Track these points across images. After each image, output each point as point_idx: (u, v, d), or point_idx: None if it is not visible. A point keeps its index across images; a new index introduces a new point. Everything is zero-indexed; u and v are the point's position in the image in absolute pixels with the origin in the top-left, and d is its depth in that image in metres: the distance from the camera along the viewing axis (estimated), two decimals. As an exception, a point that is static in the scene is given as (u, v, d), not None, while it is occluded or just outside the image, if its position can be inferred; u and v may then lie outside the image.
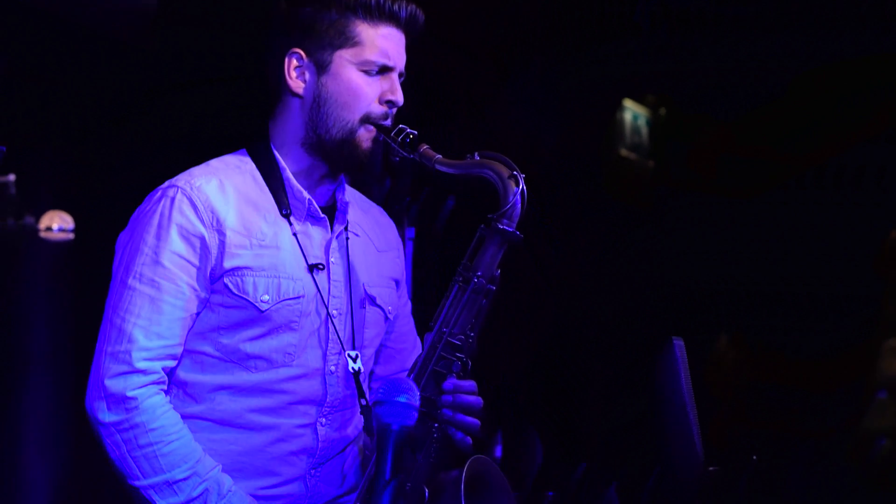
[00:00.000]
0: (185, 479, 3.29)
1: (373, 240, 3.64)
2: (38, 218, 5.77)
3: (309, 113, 3.46)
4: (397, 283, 3.69)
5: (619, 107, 5.74)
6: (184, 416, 3.36)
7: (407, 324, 3.75)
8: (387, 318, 3.63)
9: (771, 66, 4.72)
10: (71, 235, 5.83)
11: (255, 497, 3.37)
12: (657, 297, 5.76)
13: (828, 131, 4.57)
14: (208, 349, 3.38)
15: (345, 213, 3.55)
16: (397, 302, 3.68)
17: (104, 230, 6.14)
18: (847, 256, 5.06)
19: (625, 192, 5.63)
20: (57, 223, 5.79)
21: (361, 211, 3.67)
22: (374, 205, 3.77)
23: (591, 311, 5.67)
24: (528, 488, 5.22)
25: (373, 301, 3.57)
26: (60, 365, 6.63)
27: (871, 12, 3.95)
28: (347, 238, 3.54)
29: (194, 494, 3.28)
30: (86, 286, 6.56)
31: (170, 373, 3.37)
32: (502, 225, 3.34)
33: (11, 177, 5.60)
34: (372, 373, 3.67)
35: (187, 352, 3.38)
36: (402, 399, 3.06)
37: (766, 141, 4.95)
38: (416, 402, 3.03)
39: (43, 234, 5.79)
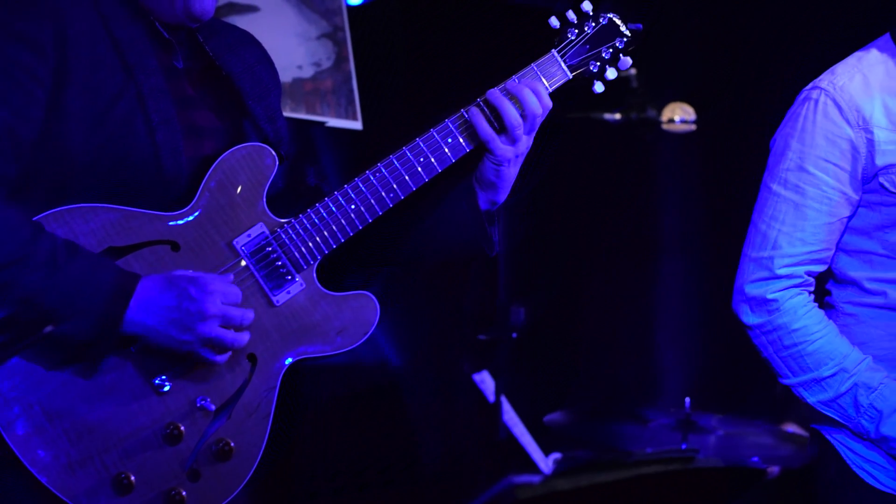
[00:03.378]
0: (831, 375, 3.25)
1: None
2: (660, 110, 5.78)
3: None
4: None
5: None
6: (861, 305, 3.32)
7: None
8: None
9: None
10: (693, 127, 5.81)
11: None
12: None
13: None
14: (874, 247, 3.30)
15: None
16: None
17: (726, 122, 6.13)
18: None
19: None
20: (679, 115, 5.78)
21: None
22: None
23: None
24: None
25: None
26: (689, 253, 6.69)
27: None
28: None
29: (842, 390, 3.25)
30: (710, 177, 6.56)
31: (837, 271, 3.34)
32: None
33: (633, 70, 5.64)
34: None
35: (854, 251, 3.32)
36: None
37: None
38: None
39: (665, 126, 5.80)
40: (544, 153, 3.15)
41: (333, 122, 5.36)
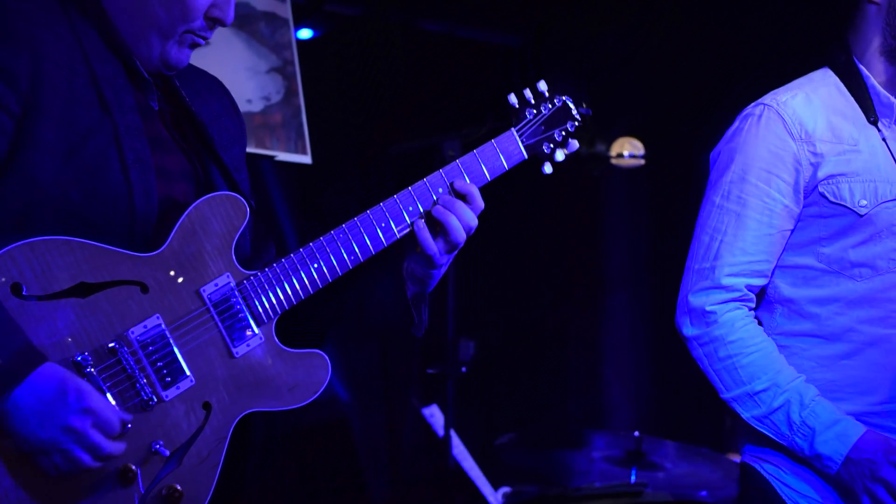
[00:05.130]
0: (764, 390, 3.27)
1: None
2: (609, 145, 5.81)
3: (886, 19, 3.35)
4: None
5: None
6: (792, 335, 3.35)
7: None
8: None
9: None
10: (641, 162, 5.84)
11: (870, 413, 3.29)
12: None
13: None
14: (810, 261, 3.34)
15: None
16: None
17: (674, 156, 6.18)
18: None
19: None
20: (628, 150, 5.81)
21: None
22: None
23: None
24: None
25: None
26: (637, 286, 6.72)
27: None
28: None
29: (775, 405, 3.27)
30: (660, 211, 6.60)
31: (769, 291, 3.36)
32: None
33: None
34: None
35: (789, 267, 3.36)
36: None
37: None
38: None
39: (614, 161, 5.83)
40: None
41: (283, 157, 5.35)
